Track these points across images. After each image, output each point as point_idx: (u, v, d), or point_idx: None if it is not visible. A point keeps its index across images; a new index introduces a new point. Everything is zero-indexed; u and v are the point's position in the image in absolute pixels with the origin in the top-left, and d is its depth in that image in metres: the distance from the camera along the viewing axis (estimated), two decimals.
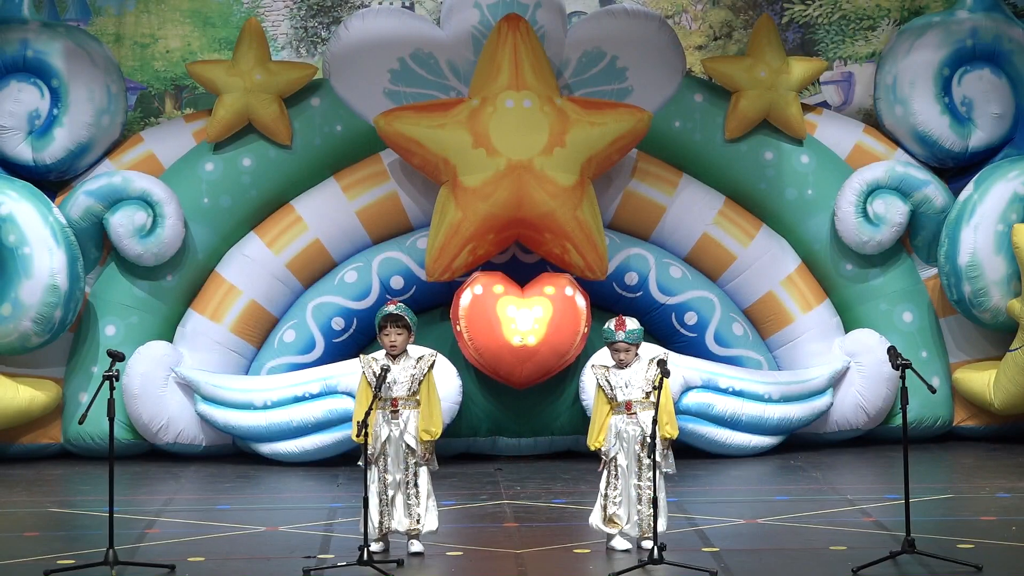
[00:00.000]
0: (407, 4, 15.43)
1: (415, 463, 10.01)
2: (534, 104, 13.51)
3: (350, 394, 13.01)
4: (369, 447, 9.84)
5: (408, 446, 9.98)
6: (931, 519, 10.82)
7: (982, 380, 14.21)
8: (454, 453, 13.66)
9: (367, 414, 9.66)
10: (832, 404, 14.00)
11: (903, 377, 9.76)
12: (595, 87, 13.95)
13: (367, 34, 13.86)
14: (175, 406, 13.68)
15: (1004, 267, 14.04)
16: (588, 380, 13.16)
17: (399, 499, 10.01)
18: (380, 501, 9.95)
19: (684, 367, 13.35)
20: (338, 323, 13.93)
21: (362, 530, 9.63)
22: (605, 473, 10.05)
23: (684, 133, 14.38)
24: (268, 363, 13.96)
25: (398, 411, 9.97)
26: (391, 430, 9.97)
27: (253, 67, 14.05)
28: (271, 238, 14.10)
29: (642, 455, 9.88)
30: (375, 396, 9.84)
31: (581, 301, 13.53)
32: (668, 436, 9.91)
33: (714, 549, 10.00)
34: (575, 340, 13.44)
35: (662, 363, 9.72)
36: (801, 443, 14.03)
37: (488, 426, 13.82)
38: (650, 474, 9.82)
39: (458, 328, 13.46)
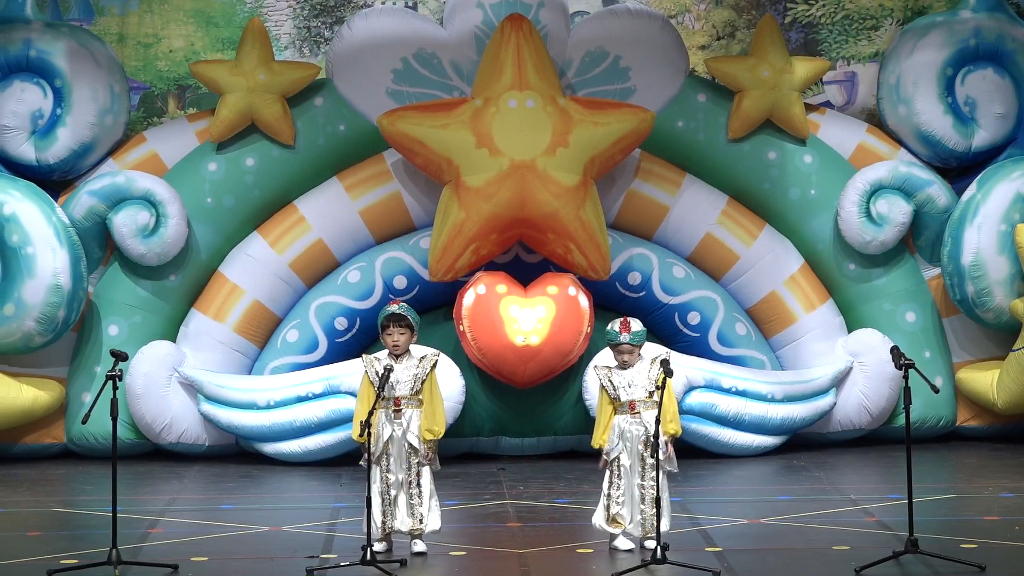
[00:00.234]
0: (410, 4, 15.43)
1: (418, 463, 10.00)
2: (537, 104, 13.51)
3: (353, 394, 12.96)
4: (371, 446, 9.83)
5: (411, 446, 9.98)
6: (934, 519, 10.81)
7: (985, 380, 14.20)
8: (457, 453, 13.65)
9: (370, 414, 9.66)
10: (835, 404, 13.99)
11: (906, 377, 9.74)
12: (598, 87, 13.96)
13: (370, 34, 13.87)
14: (178, 406, 13.68)
15: (1007, 267, 14.03)
16: (591, 380, 13.14)
17: (402, 499, 10.00)
18: (383, 501, 9.94)
19: (687, 367, 13.34)
20: (341, 323, 13.92)
21: (365, 530, 9.62)
22: (608, 473, 10.03)
23: (687, 133, 14.37)
24: (271, 363, 13.95)
25: (401, 411, 9.96)
26: (394, 430, 9.96)
27: (256, 67, 14.04)
28: (274, 238, 14.09)
29: (645, 455, 9.88)
30: (378, 396, 9.84)
31: (584, 301, 13.52)
32: (672, 433, 9.90)
33: (717, 549, 9.99)
34: (578, 340, 13.43)
35: (665, 363, 9.71)
36: (804, 443, 14.03)
37: (491, 426, 13.82)
38: (653, 474, 9.81)
39: (461, 328, 13.46)
